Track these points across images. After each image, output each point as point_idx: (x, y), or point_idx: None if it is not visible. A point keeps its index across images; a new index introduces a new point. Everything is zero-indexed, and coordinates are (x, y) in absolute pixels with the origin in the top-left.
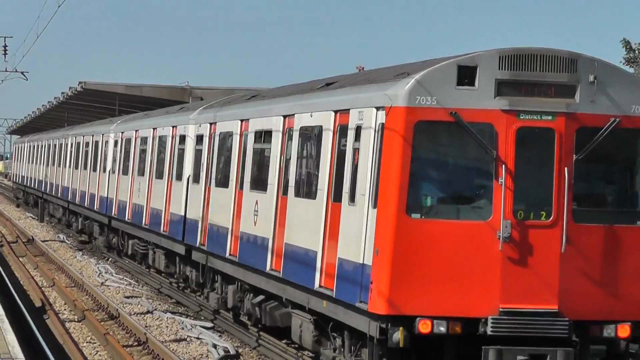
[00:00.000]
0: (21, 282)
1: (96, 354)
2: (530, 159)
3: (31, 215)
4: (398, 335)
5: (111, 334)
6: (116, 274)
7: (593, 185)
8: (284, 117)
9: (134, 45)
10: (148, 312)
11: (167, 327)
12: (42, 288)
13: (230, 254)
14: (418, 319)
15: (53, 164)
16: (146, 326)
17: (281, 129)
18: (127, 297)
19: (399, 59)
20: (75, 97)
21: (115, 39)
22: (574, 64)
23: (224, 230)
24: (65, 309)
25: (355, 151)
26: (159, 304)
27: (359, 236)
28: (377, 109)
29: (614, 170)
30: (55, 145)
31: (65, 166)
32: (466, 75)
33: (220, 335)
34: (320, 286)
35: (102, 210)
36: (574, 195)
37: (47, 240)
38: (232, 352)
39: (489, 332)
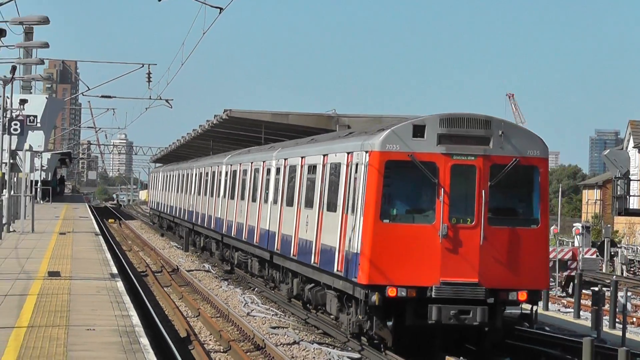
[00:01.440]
0: (166, 312)
1: None
2: (460, 184)
3: (175, 244)
4: (374, 297)
5: None
6: (262, 304)
7: (502, 202)
8: (323, 155)
9: (280, 72)
10: (295, 342)
11: (313, 357)
12: (187, 318)
13: (293, 255)
14: (387, 287)
15: (181, 191)
16: (293, 357)
17: (321, 164)
18: (274, 328)
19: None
20: (220, 125)
21: (261, 66)
22: (489, 124)
23: (289, 238)
24: (210, 340)
25: (355, 179)
26: (306, 335)
27: (355, 235)
28: (365, 152)
29: (516, 192)
30: (182, 175)
31: (190, 193)
32: (418, 131)
33: None
34: (337, 270)
35: (217, 229)
36: (489, 208)
37: (192, 270)
38: None
39: (433, 296)
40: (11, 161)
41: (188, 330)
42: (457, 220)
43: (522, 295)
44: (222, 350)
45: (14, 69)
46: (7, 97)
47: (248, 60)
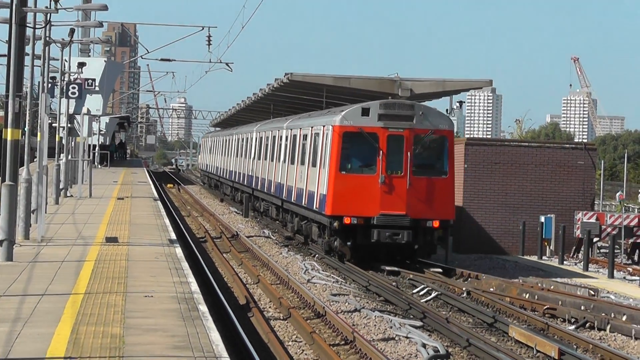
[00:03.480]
0: (225, 279)
1: (302, 353)
2: (393, 148)
3: (235, 209)
4: (335, 224)
5: (317, 332)
6: (323, 271)
7: (422, 160)
8: (311, 127)
9: (341, 35)
10: (355, 310)
11: (375, 325)
12: (247, 285)
13: (293, 200)
14: (344, 216)
15: (223, 154)
16: (353, 324)
17: (309, 133)
18: (334, 295)
19: None
20: (281, 89)
21: (324, 29)
22: (413, 107)
23: (290, 188)
24: (270, 307)
25: (326, 144)
26: (367, 302)
27: (324, 182)
28: (331, 126)
29: (432, 153)
30: (224, 140)
31: (230, 155)
32: (365, 111)
33: (429, 334)
34: (315, 208)
35: (249, 184)
36: (413, 164)
37: (252, 236)
38: (441, 351)
39: (375, 223)
40: (69, 125)
41: (247, 297)
42: (391, 172)
43: (436, 223)
44: (281, 318)
45: (72, 31)
46: (65, 60)
47: (310, 23)
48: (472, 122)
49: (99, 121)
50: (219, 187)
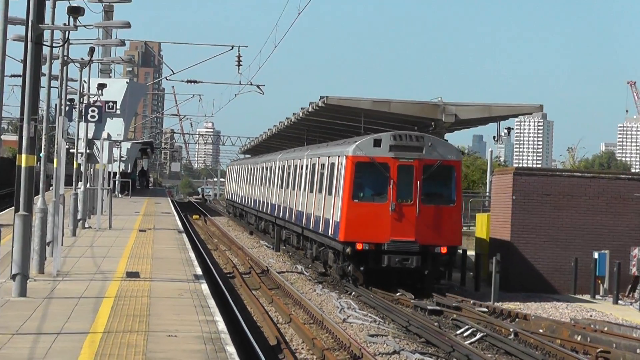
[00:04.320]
0: (254, 317)
1: None
2: (404, 177)
3: (265, 243)
4: (348, 249)
5: None
6: (360, 309)
7: (430, 189)
8: (328, 157)
9: (381, 57)
10: (395, 352)
11: None
12: (278, 324)
13: (311, 227)
14: (356, 242)
15: (247, 183)
16: None
17: (326, 163)
18: (372, 336)
19: None
20: (316, 113)
21: (361, 50)
22: (422, 138)
23: (309, 215)
24: (302, 348)
25: (340, 173)
26: (407, 344)
27: (338, 209)
28: (345, 155)
29: (440, 183)
30: (248, 168)
31: (254, 184)
32: (377, 142)
33: None
34: (330, 234)
35: (271, 212)
36: (422, 192)
37: (283, 272)
38: None
39: (385, 249)
40: (88, 151)
41: (278, 337)
42: (401, 200)
43: (444, 249)
44: None
45: (92, 50)
46: (85, 81)
47: (346, 44)
48: (521, 150)
49: (120, 147)
50: (244, 216)
